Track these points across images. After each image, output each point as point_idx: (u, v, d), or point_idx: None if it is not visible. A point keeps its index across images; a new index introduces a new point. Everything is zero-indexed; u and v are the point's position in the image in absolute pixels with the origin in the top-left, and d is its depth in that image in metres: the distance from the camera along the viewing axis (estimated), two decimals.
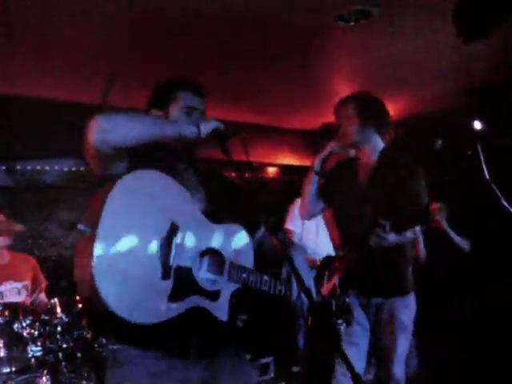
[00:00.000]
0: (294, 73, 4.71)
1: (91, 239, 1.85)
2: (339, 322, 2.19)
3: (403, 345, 3.13)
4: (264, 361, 4.81)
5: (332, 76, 4.99)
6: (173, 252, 2.02)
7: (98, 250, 1.85)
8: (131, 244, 1.93)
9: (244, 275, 2.20)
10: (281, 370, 4.79)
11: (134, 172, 2.01)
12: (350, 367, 1.51)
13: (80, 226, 1.90)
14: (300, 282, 1.85)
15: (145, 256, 1.96)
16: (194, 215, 2.15)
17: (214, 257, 2.18)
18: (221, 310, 2.15)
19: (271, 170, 6.60)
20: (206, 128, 2.11)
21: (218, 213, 2.26)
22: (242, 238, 2.28)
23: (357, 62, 4.64)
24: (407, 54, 4.45)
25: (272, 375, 4.82)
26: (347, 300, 2.36)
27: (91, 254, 1.83)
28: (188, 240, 2.08)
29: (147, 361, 2.04)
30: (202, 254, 2.14)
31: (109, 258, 1.86)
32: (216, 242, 2.18)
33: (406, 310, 3.17)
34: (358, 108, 3.25)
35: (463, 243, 4.85)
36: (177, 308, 2.01)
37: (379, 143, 3.28)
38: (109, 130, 1.97)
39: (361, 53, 4.45)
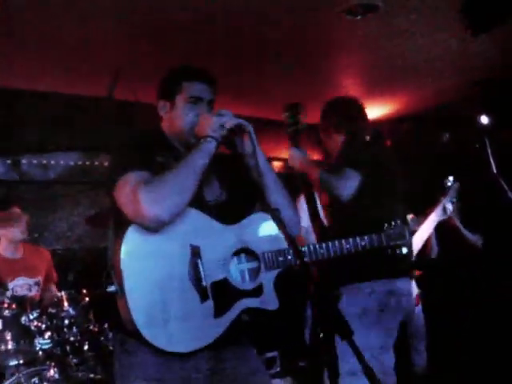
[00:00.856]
0: (300, 66, 4.70)
1: (123, 299, 1.96)
2: None
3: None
4: (270, 355, 4.82)
5: (338, 70, 4.98)
6: (202, 272, 2.05)
7: (133, 306, 1.95)
8: (160, 285, 2.00)
9: (281, 258, 2.17)
10: (287, 365, 4.80)
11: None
12: (363, 361, 1.49)
13: (111, 288, 2.01)
14: (309, 274, 1.84)
15: (177, 289, 2.01)
16: (209, 228, 2.12)
17: (245, 255, 2.18)
18: (268, 301, 2.15)
19: (276, 165, 6.57)
20: (216, 129, 2.09)
21: (235, 200, 2.25)
22: (266, 223, 2.20)
23: (363, 56, 4.63)
24: (413, 48, 4.45)
25: (278, 369, 4.82)
26: None
27: (130, 313, 1.94)
28: (213, 254, 2.08)
29: (154, 351, 2.03)
30: (231, 258, 2.13)
31: (145, 308, 1.96)
32: (241, 240, 2.16)
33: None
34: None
35: (476, 240, 4.84)
36: (226, 320, 2.06)
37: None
38: (171, 214, 1.99)
39: (367, 47, 4.44)
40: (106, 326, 3.58)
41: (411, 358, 4.19)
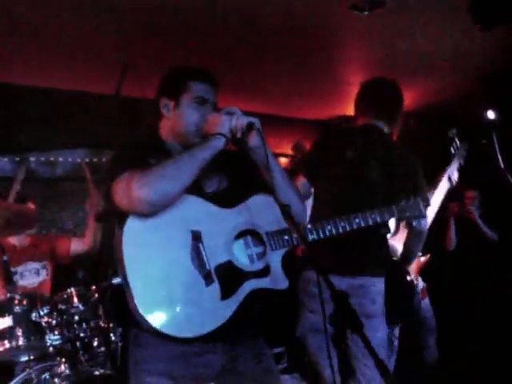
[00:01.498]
0: (306, 62, 4.70)
1: (129, 289, 1.97)
2: None
3: None
4: (277, 350, 4.83)
5: (344, 65, 4.98)
6: (205, 256, 2.06)
7: (137, 295, 1.96)
8: (163, 271, 2.01)
9: (286, 237, 2.18)
10: (294, 360, 4.80)
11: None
12: (375, 356, 1.50)
13: (116, 280, 2.04)
14: (320, 269, 1.85)
15: (181, 275, 2.03)
16: (209, 212, 2.13)
17: (249, 236, 2.18)
18: (276, 280, 2.16)
19: (282, 161, 6.57)
20: (226, 128, 2.09)
21: (236, 187, 2.24)
22: (268, 204, 2.17)
23: (369, 51, 4.63)
24: (421, 42, 4.44)
25: (285, 365, 4.84)
26: None
27: (134, 302, 1.96)
28: (214, 237, 2.09)
29: (167, 344, 2.05)
30: (234, 241, 2.14)
31: (150, 296, 1.98)
32: (243, 222, 2.16)
33: None
34: None
35: (492, 235, 4.86)
36: (234, 302, 2.06)
37: None
38: (163, 201, 2.01)
39: (374, 42, 4.44)
40: (115, 322, 3.60)
41: (421, 353, 4.21)
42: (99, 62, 4.36)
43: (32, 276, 4.03)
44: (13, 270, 3.83)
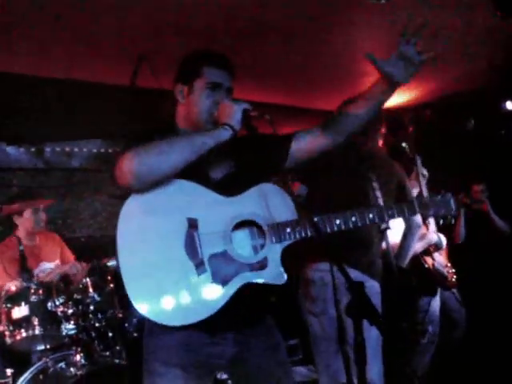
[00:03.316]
0: (321, 52, 4.66)
1: (120, 273, 1.97)
2: None
3: None
4: (292, 342, 4.82)
5: (360, 55, 4.92)
6: (199, 244, 2.02)
7: (125, 278, 1.96)
8: (155, 257, 1.99)
9: (288, 230, 2.09)
10: (309, 352, 4.79)
11: (133, 193, 2.03)
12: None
13: (111, 263, 2.03)
14: (336, 260, 1.83)
15: (173, 261, 2.00)
16: (209, 200, 2.08)
17: (250, 230, 2.12)
18: (274, 275, 2.07)
19: None
20: (237, 119, 2.06)
21: (246, 172, 2.20)
22: (274, 194, 2.13)
23: (386, 40, 4.55)
24: (437, 32, 4.38)
25: (300, 356, 4.83)
26: None
27: (125, 287, 1.96)
28: (212, 226, 2.04)
29: (180, 333, 2.05)
30: (234, 231, 2.08)
31: (139, 281, 1.97)
32: (245, 211, 2.09)
33: None
34: None
35: (504, 226, 4.82)
36: (225, 293, 2.01)
37: None
38: (147, 174, 1.97)
39: (390, 31, 4.37)
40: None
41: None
42: (115, 53, 4.35)
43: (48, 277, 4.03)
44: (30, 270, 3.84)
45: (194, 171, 2.07)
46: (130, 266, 1.97)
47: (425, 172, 4.16)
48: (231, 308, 2.02)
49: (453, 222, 3.39)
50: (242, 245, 2.10)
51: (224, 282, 2.02)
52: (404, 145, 4.03)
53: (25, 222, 4.08)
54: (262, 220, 2.09)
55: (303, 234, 2.09)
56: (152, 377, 2.10)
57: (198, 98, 2.18)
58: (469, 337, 4.50)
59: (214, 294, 2.00)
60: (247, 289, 2.05)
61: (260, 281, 2.05)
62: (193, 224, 2.03)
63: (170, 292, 1.98)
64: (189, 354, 2.08)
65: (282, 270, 2.08)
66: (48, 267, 4.01)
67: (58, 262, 4.19)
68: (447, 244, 4.32)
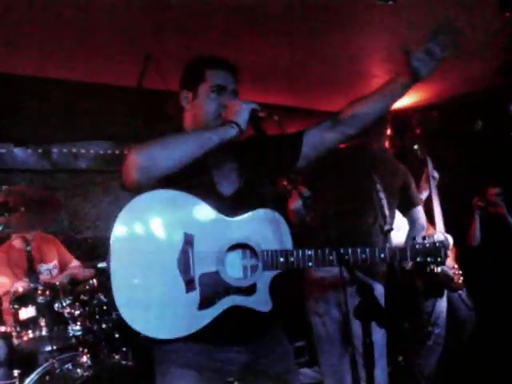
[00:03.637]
0: (330, 53, 4.66)
1: (109, 278, 1.98)
2: None
3: None
4: (298, 344, 4.82)
5: (368, 57, 4.92)
6: (192, 262, 2.01)
7: (115, 285, 1.97)
8: (146, 268, 1.99)
9: (282, 259, 2.07)
10: (315, 354, 4.79)
11: (135, 199, 2.02)
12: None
13: (101, 264, 2.03)
14: (343, 260, 1.83)
15: (163, 275, 2.00)
16: (209, 219, 2.06)
17: (242, 251, 2.10)
18: (260, 301, 2.07)
19: None
20: (244, 118, 2.04)
21: (254, 192, 2.18)
22: (272, 221, 2.11)
23: (394, 42, 4.55)
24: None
25: (307, 358, 4.83)
26: None
27: (112, 292, 1.97)
28: (207, 245, 2.03)
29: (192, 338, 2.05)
30: (227, 252, 2.07)
31: (126, 289, 1.97)
32: (241, 235, 2.07)
33: None
34: None
35: None
36: (210, 314, 2.01)
37: None
38: (152, 168, 1.97)
39: (399, 32, 4.37)
40: None
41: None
42: (121, 54, 4.36)
43: (46, 277, 4.02)
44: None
45: (200, 176, 2.08)
46: (119, 274, 1.98)
47: (435, 175, 4.15)
48: (222, 326, 2.03)
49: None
50: (235, 266, 2.09)
51: (211, 303, 2.02)
52: (416, 147, 4.01)
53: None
54: (256, 245, 2.08)
55: (296, 265, 2.08)
56: (165, 378, 2.10)
57: (203, 102, 2.19)
58: (482, 340, 4.48)
59: (199, 312, 2.01)
60: (236, 310, 2.04)
61: (246, 305, 2.05)
62: (189, 240, 2.02)
63: (155, 305, 1.99)
64: (203, 356, 2.08)
65: (268, 298, 2.08)
66: (46, 268, 4.02)
67: (55, 262, 4.18)
68: (459, 246, 4.30)
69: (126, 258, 1.99)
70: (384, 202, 3.24)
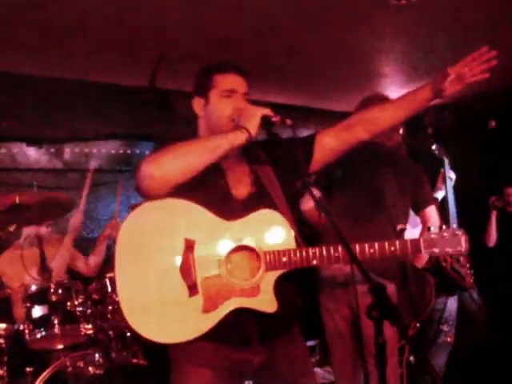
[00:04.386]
0: (343, 53, 4.65)
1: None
2: None
3: None
4: (309, 343, 4.81)
5: (382, 56, 4.91)
6: (193, 266, 2.03)
7: (120, 292, 2.03)
8: (149, 274, 2.03)
9: (284, 259, 2.05)
10: (326, 353, 4.78)
11: (137, 208, 2.08)
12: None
13: (109, 274, 2.05)
14: (355, 259, 1.82)
15: (166, 280, 2.03)
16: (209, 224, 2.07)
17: (244, 253, 2.09)
18: (265, 302, 2.05)
19: None
20: (254, 124, 2.05)
21: (267, 195, 2.17)
22: (274, 222, 2.09)
23: (408, 41, 4.55)
24: (457, 33, 4.35)
25: (317, 358, 4.83)
26: None
27: (118, 298, 2.03)
28: (208, 249, 2.04)
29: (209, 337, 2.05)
30: (229, 255, 2.06)
31: (130, 294, 2.02)
32: (243, 237, 2.07)
33: None
34: None
35: None
36: (215, 317, 2.02)
37: None
38: (164, 177, 2.00)
39: (412, 32, 4.36)
40: None
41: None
42: (134, 54, 4.38)
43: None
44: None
45: (214, 180, 2.11)
46: (125, 281, 2.02)
47: (452, 175, 4.12)
48: (230, 327, 2.03)
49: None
50: (238, 269, 2.08)
51: (214, 306, 2.02)
52: (434, 147, 3.99)
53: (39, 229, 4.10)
54: (258, 246, 2.07)
55: (299, 264, 2.06)
56: (181, 376, 2.11)
57: (215, 107, 2.19)
58: (495, 340, 4.46)
59: (203, 316, 2.01)
60: (242, 312, 2.04)
61: (250, 307, 2.04)
62: (189, 245, 2.03)
63: (160, 310, 2.01)
64: (219, 356, 2.08)
65: (273, 298, 2.05)
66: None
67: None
68: (475, 247, 4.28)
69: (129, 265, 2.03)
70: (397, 200, 3.22)
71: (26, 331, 3.31)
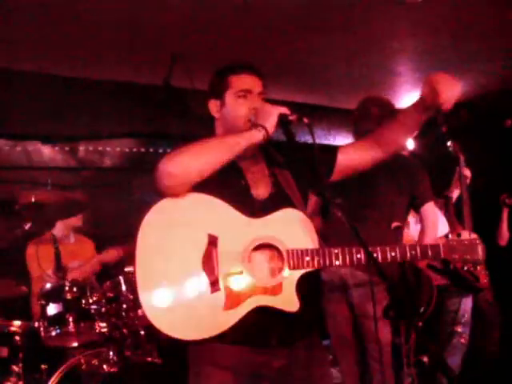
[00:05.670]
0: (356, 51, 4.63)
1: (135, 279, 1.99)
2: None
3: None
4: (323, 343, 4.80)
5: (394, 56, 4.89)
6: (216, 262, 2.01)
7: (141, 288, 1.98)
8: (170, 268, 2.00)
9: (307, 258, 2.03)
10: None
11: (160, 201, 2.04)
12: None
13: (129, 268, 2.03)
14: (373, 260, 1.82)
15: (188, 276, 2.00)
16: (233, 220, 2.06)
17: (268, 251, 2.08)
18: (287, 301, 2.03)
19: None
20: (271, 122, 2.05)
21: (286, 197, 2.17)
22: (298, 221, 2.09)
23: (421, 40, 4.53)
24: (471, 33, 4.33)
25: (330, 357, 4.80)
26: None
27: (138, 292, 1.98)
28: (231, 245, 2.02)
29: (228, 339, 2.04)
30: (252, 252, 2.05)
31: (151, 289, 1.98)
32: (266, 235, 2.06)
33: None
34: None
35: None
36: (236, 314, 1.99)
37: None
38: (183, 176, 2.00)
39: (426, 31, 4.34)
40: None
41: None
42: (149, 53, 4.39)
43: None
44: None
45: (234, 180, 2.12)
46: (145, 276, 1.99)
47: (468, 173, 4.08)
48: (251, 326, 2.00)
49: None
50: (260, 267, 2.07)
51: (236, 303, 2.00)
52: (449, 144, 3.95)
53: (71, 220, 4.14)
54: (282, 245, 2.06)
55: (322, 264, 2.05)
56: (200, 378, 2.10)
57: (231, 108, 2.19)
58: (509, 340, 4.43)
59: (225, 313, 1.99)
60: (263, 311, 2.01)
61: (272, 305, 2.02)
62: (212, 241, 2.02)
63: (180, 305, 1.98)
64: (238, 359, 2.07)
65: (295, 297, 2.03)
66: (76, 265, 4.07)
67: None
68: (488, 246, 4.24)
69: (150, 259, 2.01)
70: (393, 199, 3.21)
71: (41, 328, 3.34)
